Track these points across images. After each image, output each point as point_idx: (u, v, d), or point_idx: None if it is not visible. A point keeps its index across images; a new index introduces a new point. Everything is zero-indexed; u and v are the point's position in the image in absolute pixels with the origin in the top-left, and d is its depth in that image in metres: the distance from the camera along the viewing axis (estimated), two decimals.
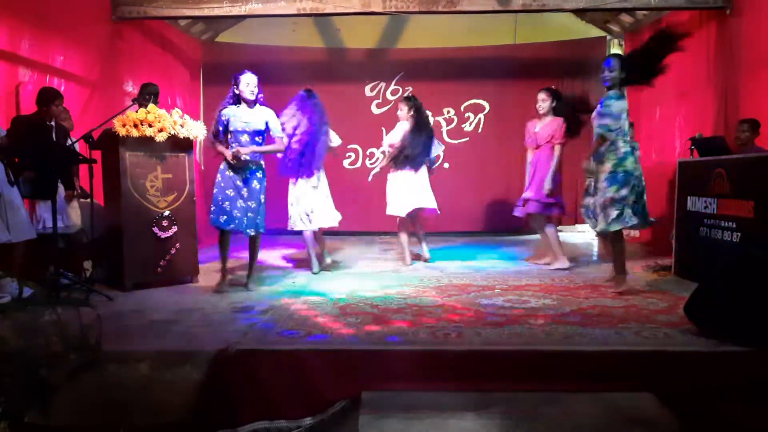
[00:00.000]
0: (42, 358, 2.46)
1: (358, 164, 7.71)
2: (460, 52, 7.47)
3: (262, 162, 4.21)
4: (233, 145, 4.08)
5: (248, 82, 4.08)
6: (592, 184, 3.96)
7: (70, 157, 4.12)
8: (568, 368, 2.73)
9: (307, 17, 6.54)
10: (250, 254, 4.29)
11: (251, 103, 4.12)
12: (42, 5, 4.58)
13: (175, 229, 4.34)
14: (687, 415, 2.51)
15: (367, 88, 7.69)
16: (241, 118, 4.09)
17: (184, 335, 3.08)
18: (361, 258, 5.76)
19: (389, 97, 7.68)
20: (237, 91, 4.10)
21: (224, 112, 4.11)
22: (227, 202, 4.06)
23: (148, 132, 4.14)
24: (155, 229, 4.25)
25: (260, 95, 4.18)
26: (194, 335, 3.07)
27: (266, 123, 4.15)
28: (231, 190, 4.08)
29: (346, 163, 7.67)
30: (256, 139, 4.13)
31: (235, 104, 4.13)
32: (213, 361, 2.74)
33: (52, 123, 4.24)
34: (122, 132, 4.06)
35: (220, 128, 4.12)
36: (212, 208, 4.11)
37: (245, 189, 4.10)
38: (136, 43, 5.94)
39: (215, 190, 4.11)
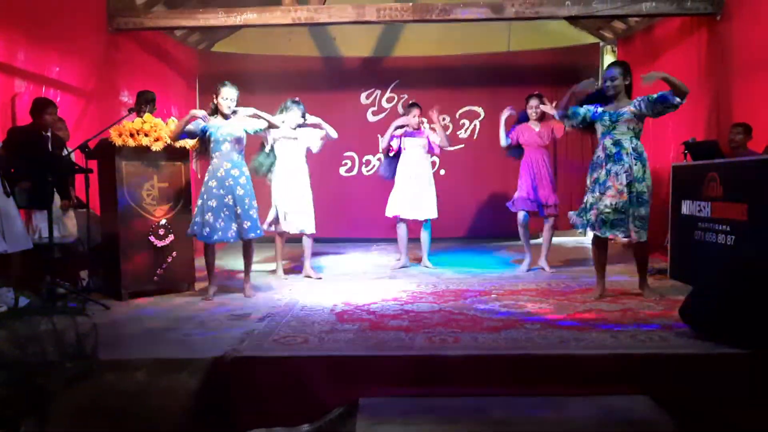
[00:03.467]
0: (38, 367, 2.45)
1: (354, 171, 7.73)
2: (455, 60, 7.51)
3: (245, 169, 4.20)
4: (215, 154, 4.11)
5: (227, 96, 4.11)
6: (626, 191, 3.74)
7: (66, 167, 4.13)
8: (565, 372, 2.73)
9: (303, 26, 6.57)
10: (244, 261, 4.28)
11: (227, 116, 4.16)
12: (38, 16, 4.60)
13: (171, 237, 4.34)
14: (683, 418, 2.52)
15: (363, 96, 7.72)
16: (220, 129, 4.12)
17: (181, 343, 3.08)
18: (358, 264, 5.77)
19: (385, 104, 7.71)
20: (215, 102, 4.15)
21: (209, 119, 4.17)
22: (209, 214, 4.04)
23: (144, 141, 4.15)
24: (152, 238, 4.25)
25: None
26: (191, 343, 3.07)
27: (244, 129, 4.18)
28: (213, 201, 4.06)
29: (342, 170, 7.69)
30: (236, 146, 4.15)
31: (213, 114, 4.18)
32: (210, 369, 2.73)
33: (48, 133, 4.25)
34: (118, 141, 4.08)
35: (193, 129, 4.11)
36: (194, 220, 4.10)
37: (229, 197, 4.07)
38: (132, 53, 5.96)
39: (199, 202, 4.11)
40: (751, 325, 2.75)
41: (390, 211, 5.34)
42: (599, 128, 3.91)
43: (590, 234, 7.63)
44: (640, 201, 3.78)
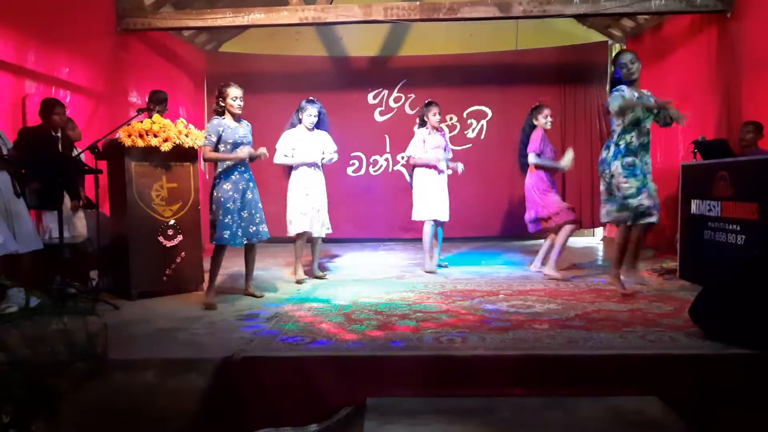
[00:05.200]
0: (48, 367, 2.47)
1: (362, 171, 7.73)
2: (462, 59, 7.50)
3: (251, 173, 4.17)
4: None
5: (236, 96, 4.01)
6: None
7: (75, 168, 4.16)
8: (573, 373, 2.73)
9: (310, 26, 6.58)
10: (251, 262, 4.25)
11: (238, 117, 4.09)
12: (47, 18, 4.64)
13: (180, 238, 4.36)
14: (693, 419, 2.50)
15: (370, 96, 7.72)
16: (236, 131, 4.04)
17: (190, 343, 3.09)
18: (365, 264, 5.77)
19: (392, 104, 7.70)
20: (223, 104, 4.03)
21: (217, 122, 4.02)
22: (229, 217, 3.94)
23: (153, 142, 4.17)
24: (161, 238, 4.27)
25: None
26: (199, 343, 3.08)
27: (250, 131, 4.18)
28: (231, 204, 3.96)
29: (349, 170, 7.69)
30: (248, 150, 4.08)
31: (221, 116, 4.06)
32: (218, 369, 2.75)
33: (58, 134, 4.28)
34: (128, 142, 4.09)
35: (215, 138, 3.99)
36: (224, 223, 3.92)
37: (243, 200, 4.02)
38: (140, 54, 6.00)
39: (216, 207, 3.96)
40: (762, 325, 2.73)
41: (427, 215, 5.07)
42: (637, 113, 3.85)
43: (599, 232, 7.64)
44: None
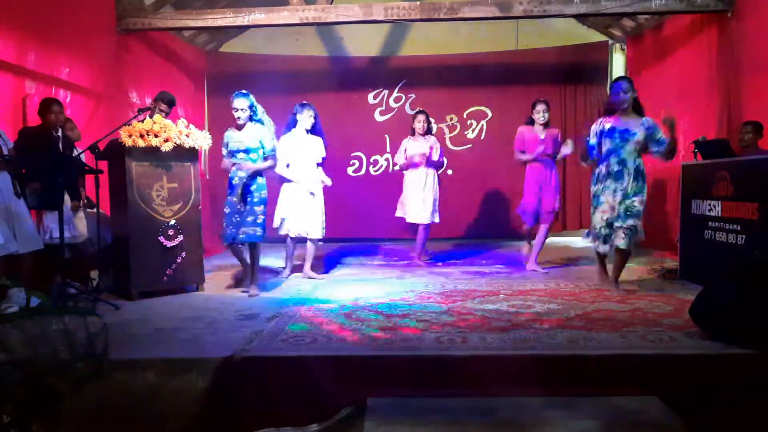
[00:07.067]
0: (49, 367, 2.47)
1: (362, 171, 7.73)
2: (462, 59, 7.49)
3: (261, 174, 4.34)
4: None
5: (235, 107, 4.25)
6: (617, 206, 3.96)
7: (76, 168, 4.16)
8: (574, 373, 2.73)
9: (310, 26, 6.59)
10: (251, 261, 4.37)
11: (240, 126, 4.29)
12: (48, 18, 4.64)
13: (180, 238, 4.36)
14: (693, 419, 2.50)
15: (370, 96, 7.72)
16: (234, 138, 4.31)
17: (190, 343, 3.09)
18: (366, 264, 5.77)
19: (392, 104, 7.71)
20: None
21: (226, 134, 4.38)
22: (235, 215, 4.26)
23: (154, 142, 4.17)
24: (161, 239, 4.27)
25: (251, 112, 4.31)
26: (200, 343, 3.08)
27: (260, 141, 4.30)
28: (234, 198, 4.28)
29: (350, 170, 7.69)
30: (251, 156, 4.29)
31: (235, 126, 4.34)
32: (219, 369, 2.75)
33: (59, 134, 4.28)
34: (128, 142, 4.09)
35: (223, 150, 4.39)
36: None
37: (240, 201, 4.28)
38: (141, 54, 6.00)
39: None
40: (762, 325, 2.73)
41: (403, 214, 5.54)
42: (606, 144, 4.00)
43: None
44: (628, 213, 3.91)
